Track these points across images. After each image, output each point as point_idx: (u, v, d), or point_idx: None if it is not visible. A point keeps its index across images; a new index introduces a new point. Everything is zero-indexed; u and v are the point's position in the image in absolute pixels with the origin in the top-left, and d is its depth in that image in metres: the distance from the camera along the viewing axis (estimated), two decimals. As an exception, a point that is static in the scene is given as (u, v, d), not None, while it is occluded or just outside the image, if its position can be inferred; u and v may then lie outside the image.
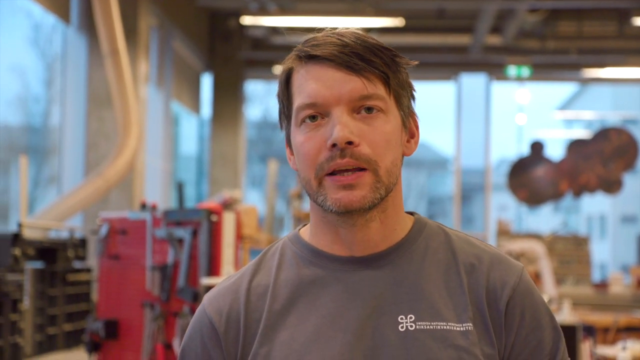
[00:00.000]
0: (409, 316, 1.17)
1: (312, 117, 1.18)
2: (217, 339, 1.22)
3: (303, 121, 1.19)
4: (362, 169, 1.16)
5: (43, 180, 8.49)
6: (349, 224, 1.19)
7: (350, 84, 1.17)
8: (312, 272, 1.22)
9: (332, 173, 1.16)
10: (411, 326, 1.16)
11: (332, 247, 1.22)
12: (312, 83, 1.18)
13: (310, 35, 1.22)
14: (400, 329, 1.16)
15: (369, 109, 1.17)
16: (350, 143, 1.15)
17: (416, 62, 1.25)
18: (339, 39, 1.19)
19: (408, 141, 1.25)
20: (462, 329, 1.17)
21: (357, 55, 1.17)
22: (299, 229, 1.29)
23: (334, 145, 1.15)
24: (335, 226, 1.21)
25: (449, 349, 1.15)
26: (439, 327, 1.16)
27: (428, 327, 1.16)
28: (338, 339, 1.16)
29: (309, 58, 1.19)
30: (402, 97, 1.22)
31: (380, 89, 1.18)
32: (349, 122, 1.16)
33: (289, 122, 1.23)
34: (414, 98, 1.25)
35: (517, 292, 1.20)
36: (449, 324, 1.17)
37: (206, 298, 1.27)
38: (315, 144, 1.17)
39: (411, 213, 1.29)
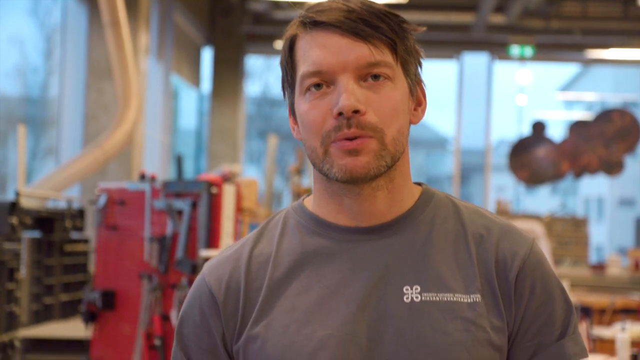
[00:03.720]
0: (414, 287, 1.14)
1: (317, 86, 1.14)
2: (216, 308, 1.19)
3: (308, 89, 1.15)
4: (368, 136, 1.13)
5: (41, 151, 8.45)
6: (354, 192, 1.16)
7: (356, 51, 1.13)
8: (316, 242, 1.19)
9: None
10: (417, 297, 1.14)
11: (337, 217, 1.19)
12: (317, 50, 1.14)
13: (315, 1, 1.19)
14: (406, 300, 1.14)
15: (376, 77, 1.14)
16: (356, 112, 1.12)
17: (424, 28, 1.21)
18: (344, 4, 1.15)
19: (415, 109, 1.22)
20: (469, 300, 1.14)
21: (363, 21, 1.14)
22: (303, 199, 1.26)
23: (340, 113, 1.12)
24: (340, 196, 1.18)
25: (455, 321, 1.12)
26: (445, 298, 1.14)
27: (434, 298, 1.13)
28: (341, 309, 1.14)
29: (314, 24, 1.16)
30: (409, 64, 1.19)
31: (387, 56, 1.15)
32: (356, 90, 1.13)
33: (292, 91, 1.20)
34: (421, 65, 1.22)
35: (527, 264, 1.17)
36: (455, 295, 1.14)
37: (206, 267, 1.24)
38: (320, 112, 1.14)
39: (419, 183, 1.26)
